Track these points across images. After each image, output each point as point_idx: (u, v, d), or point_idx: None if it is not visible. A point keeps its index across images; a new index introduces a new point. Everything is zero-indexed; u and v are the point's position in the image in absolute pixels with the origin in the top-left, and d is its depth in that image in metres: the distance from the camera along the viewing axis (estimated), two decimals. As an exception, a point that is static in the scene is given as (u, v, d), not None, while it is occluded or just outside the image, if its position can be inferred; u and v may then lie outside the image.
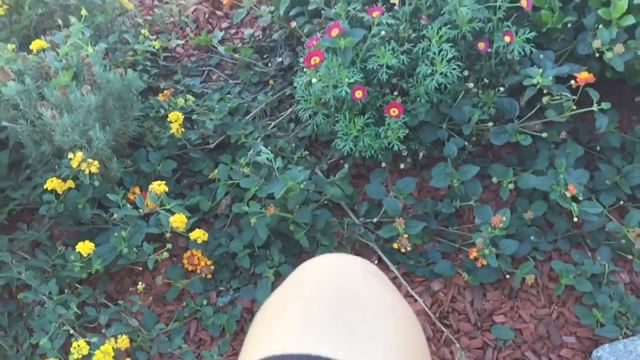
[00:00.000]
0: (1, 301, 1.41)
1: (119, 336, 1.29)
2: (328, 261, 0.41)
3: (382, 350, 0.35)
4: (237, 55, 1.91)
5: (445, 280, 1.41)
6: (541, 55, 1.41)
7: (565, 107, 1.38)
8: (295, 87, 1.48)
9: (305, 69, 1.41)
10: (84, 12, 1.52)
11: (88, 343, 1.24)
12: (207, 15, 2.10)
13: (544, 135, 1.42)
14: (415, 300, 1.37)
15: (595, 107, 1.33)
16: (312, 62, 1.34)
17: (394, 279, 1.43)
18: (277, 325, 0.37)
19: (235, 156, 1.57)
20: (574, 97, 1.35)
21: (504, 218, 1.33)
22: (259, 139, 1.61)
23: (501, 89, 1.45)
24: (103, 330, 1.34)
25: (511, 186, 1.42)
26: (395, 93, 1.44)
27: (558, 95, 1.36)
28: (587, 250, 1.44)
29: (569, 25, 1.44)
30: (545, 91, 1.37)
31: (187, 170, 1.61)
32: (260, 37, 1.99)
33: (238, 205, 1.44)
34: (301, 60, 1.44)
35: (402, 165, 1.51)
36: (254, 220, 1.37)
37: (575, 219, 1.33)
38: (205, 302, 1.41)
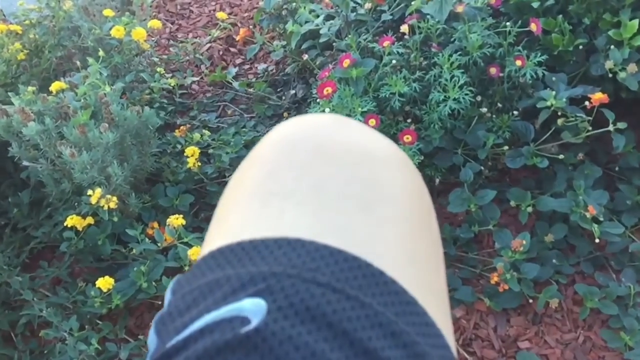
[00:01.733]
0: (23, 339, 1.41)
1: (140, 372, 1.29)
2: (299, 119, 0.31)
3: (366, 218, 0.27)
4: (251, 90, 1.94)
5: (467, 307, 1.39)
6: (554, 78, 1.41)
7: (581, 129, 1.37)
8: (309, 118, 1.49)
9: (318, 100, 1.42)
10: (101, 53, 1.56)
11: (109, 379, 1.24)
12: (221, 52, 2.14)
13: (561, 157, 1.41)
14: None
15: (611, 128, 1.32)
16: (325, 93, 1.36)
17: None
18: (232, 202, 0.29)
19: (251, 188, 1.58)
20: (589, 118, 1.34)
21: (524, 242, 1.32)
22: (275, 170, 1.61)
23: (515, 112, 1.45)
24: (124, 367, 1.34)
25: (530, 209, 1.41)
26: (409, 120, 1.45)
27: (573, 117, 1.36)
28: (611, 272, 1.42)
29: (580, 47, 1.45)
30: (559, 113, 1.37)
31: (204, 203, 1.63)
32: (274, 71, 2.02)
33: (256, 236, 1.44)
34: (314, 91, 1.46)
35: (418, 192, 1.50)
36: (272, 251, 1.37)
37: (597, 241, 1.31)
38: (225, 336, 1.40)
